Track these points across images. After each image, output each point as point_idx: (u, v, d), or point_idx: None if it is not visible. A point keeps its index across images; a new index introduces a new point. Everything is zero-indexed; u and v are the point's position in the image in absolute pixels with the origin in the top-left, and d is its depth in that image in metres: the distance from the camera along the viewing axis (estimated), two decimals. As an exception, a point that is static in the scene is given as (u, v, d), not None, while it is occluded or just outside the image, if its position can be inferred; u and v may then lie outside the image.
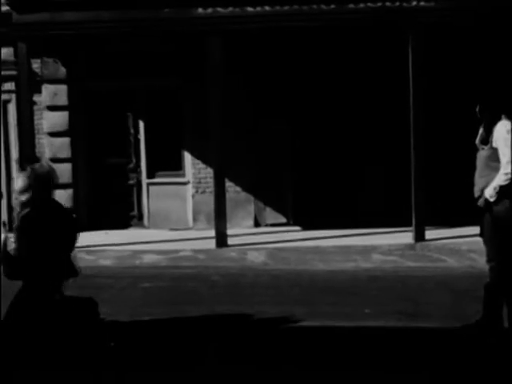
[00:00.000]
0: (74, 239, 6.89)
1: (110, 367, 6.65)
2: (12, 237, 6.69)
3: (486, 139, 7.17)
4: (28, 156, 7.30)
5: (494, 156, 7.03)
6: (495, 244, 7.07)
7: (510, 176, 6.88)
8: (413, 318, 8.16)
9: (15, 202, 6.88)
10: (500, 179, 6.93)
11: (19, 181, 6.73)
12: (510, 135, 6.90)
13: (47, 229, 6.62)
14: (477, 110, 7.31)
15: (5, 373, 6.24)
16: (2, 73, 15.14)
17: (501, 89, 7.45)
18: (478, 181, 7.24)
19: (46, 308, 6.76)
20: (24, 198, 6.66)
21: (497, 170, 6.98)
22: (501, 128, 6.99)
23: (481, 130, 7.32)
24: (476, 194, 7.23)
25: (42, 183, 6.67)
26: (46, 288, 6.72)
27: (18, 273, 6.66)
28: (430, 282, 10.12)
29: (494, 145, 7.03)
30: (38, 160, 6.83)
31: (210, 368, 6.58)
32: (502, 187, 6.93)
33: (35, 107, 14.68)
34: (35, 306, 6.67)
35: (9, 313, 6.71)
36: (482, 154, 7.23)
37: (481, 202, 7.08)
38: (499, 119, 7.04)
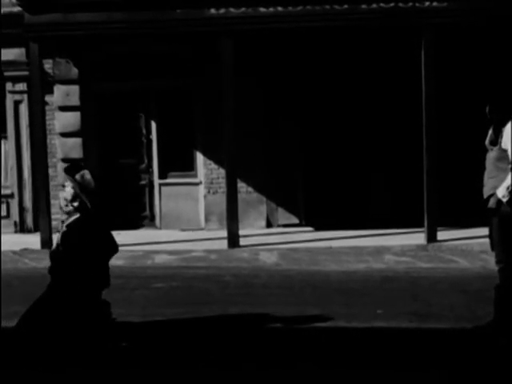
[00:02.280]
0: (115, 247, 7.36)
1: (121, 366, 6.67)
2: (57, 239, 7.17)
3: (495, 140, 7.15)
4: (74, 165, 7.68)
5: (503, 157, 7.01)
6: (504, 245, 7.06)
7: (521, 176, 6.86)
8: (425, 318, 8.14)
9: (65, 209, 7.28)
10: None
11: (68, 189, 7.18)
12: (519, 136, 6.89)
13: (95, 234, 7.13)
14: (486, 110, 7.29)
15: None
16: (15, 73, 15.23)
17: (510, 90, 7.43)
18: (487, 182, 7.22)
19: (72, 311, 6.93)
20: (75, 204, 7.15)
21: (505, 171, 6.96)
22: (510, 129, 6.96)
23: (490, 131, 7.31)
24: (485, 195, 7.21)
25: (89, 192, 7.08)
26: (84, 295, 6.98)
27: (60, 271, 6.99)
28: (442, 283, 10.10)
29: (503, 146, 7.00)
30: (82, 169, 7.23)
31: (221, 367, 6.58)
32: (513, 188, 6.91)
33: (47, 108, 14.71)
34: (68, 307, 6.88)
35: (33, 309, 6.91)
36: (491, 155, 7.21)
37: (492, 203, 7.05)
38: (508, 120, 7.01)
